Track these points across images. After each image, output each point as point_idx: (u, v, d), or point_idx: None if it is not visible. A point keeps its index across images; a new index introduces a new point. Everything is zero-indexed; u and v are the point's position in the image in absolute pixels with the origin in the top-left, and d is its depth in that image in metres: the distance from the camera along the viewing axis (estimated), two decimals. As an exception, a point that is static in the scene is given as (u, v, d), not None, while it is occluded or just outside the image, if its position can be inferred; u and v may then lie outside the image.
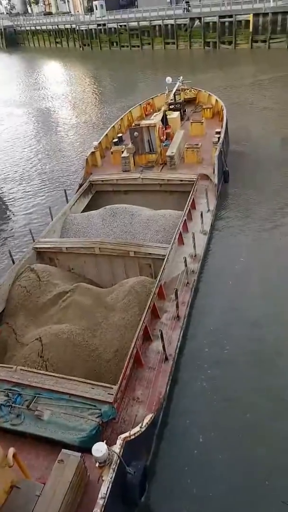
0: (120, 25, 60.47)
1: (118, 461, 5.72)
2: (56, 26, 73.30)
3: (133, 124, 18.31)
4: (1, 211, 18.76)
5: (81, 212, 15.48)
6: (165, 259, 10.83)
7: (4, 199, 19.86)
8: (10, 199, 19.75)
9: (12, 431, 6.90)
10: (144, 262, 11.58)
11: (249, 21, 46.49)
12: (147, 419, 6.79)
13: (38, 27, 78.15)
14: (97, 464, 5.64)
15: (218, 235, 14.18)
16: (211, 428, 8.03)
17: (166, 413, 8.23)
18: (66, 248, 12.42)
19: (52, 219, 14.23)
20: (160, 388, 7.89)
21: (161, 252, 11.25)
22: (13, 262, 11.98)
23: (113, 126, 21.02)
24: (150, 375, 8.05)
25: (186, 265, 10.56)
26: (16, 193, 20.20)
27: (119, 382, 7.39)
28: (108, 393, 7.21)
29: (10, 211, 18.65)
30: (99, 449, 5.52)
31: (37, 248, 12.69)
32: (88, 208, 16.06)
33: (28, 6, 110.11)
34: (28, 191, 20.14)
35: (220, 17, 48.70)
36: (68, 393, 7.31)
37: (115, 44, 62.24)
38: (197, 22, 51.58)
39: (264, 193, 16.44)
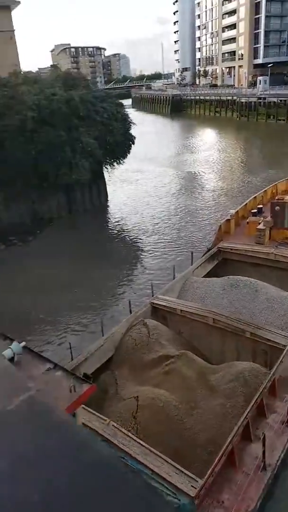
0: (280, 100, 62.07)
1: None
2: (218, 97, 79.49)
3: (276, 198, 17.96)
4: (132, 260, 20.14)
5: (203, 277, 15.48)
6: (285, 350, 9.84)
7: (138, 249, 21.35)
8: (142, 250, 21.13)
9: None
10: (260, 347, 10.70)
11: None
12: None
13: (202, 97, 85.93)
14: None
15: None
16: None
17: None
18: (181, 310, 12.45)
19: (174, 278, 14.56)
20: (251, 499, 6.87)
21: (281, 341, 10.25)
22: (130, 312, 12.51)
23: (255, 196, 20.87)
24: (242, 480, 7.10)
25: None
26: (148, 245, 21.54)
27: (206, 477, 6.72)
28: (192, 485, 6.62)
29: (140, 262, 19.87)
30: None
31: (153, 303, 13.01)
32: (211, 274, 15.91)
33: (197, 78, 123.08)
34: (159, 246, 21.26)
35: None
36: (152, 469, 6.97)
37: (271, 117, 63.84)
38: None
39: None
